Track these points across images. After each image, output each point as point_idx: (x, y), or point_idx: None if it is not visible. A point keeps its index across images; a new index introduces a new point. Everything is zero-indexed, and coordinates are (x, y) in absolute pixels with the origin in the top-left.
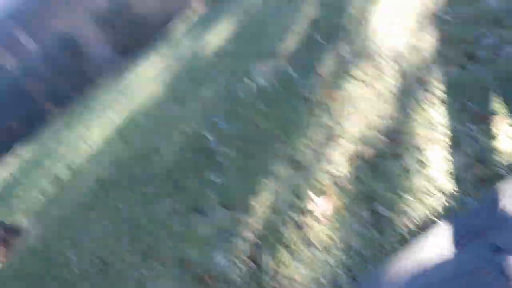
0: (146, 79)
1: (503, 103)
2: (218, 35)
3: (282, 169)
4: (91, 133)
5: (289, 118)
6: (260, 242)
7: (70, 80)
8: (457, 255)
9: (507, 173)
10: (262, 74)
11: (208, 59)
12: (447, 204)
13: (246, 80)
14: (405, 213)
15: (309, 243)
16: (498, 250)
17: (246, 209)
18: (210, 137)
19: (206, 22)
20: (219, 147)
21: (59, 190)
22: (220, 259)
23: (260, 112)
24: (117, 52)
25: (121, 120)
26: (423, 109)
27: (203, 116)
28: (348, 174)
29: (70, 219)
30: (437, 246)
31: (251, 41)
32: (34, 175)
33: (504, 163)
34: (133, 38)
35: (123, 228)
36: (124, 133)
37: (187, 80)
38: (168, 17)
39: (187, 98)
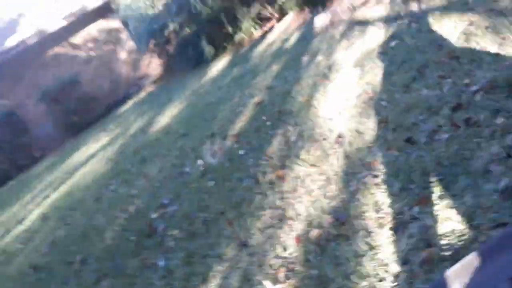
0: (90, 156)
1: (442, 185)
2: (167, 115)
3: (230, 252)
4: (29, 212)
5: (239, 198)
6: None
7: (10, 157)
8: None
9: (452, 254)
10: (211, 153)
11: (157, 138)
12: None
13: (195, 159)
14: None
15: None
16: None
17: None
18: (154, 217)
19: (155, 101)
20: (164, 227)
21: None
22: None
23: (209, 191)
24: (62, 129)
25: (61, 199)
26: (369, 191)
27: (149, 195)
28: (299, 257)
29: None
30: None
31: (200, 121)
32: None
33: (448, 244)
34: (80, 116)
35: None
36: (63, 213)
37: (134, 158)
38: (117, 95)
39: (133, 176)
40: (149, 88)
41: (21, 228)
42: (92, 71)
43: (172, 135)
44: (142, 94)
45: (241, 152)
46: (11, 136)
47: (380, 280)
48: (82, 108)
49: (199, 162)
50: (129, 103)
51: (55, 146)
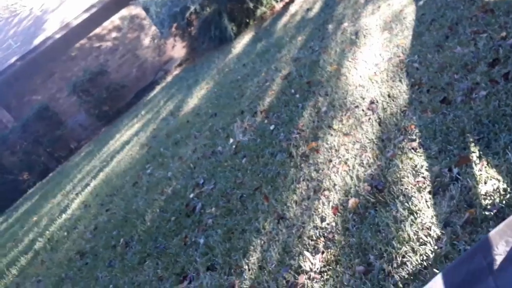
0: (124, 143)
1: (483, 144)
2: (196, 96)
3: (269, 226)
4: (71, 201)
5: (273, 173)
6: None
7: (48, 150)
8: None
9: (495, 213)
10: (242, 131)
11: (187, 120)
12: (440, 251)
13: (226, 137)
14: (398, 263)
15: None
16: None
17: (234, 270)
18: (191, 197)
19: (182, 84)
20: (201, 206)
21: (38, 265)
22: None
23: (242, 168)
24: (94, 119)
25: (100, 186)
26: (405, 156)
27: (184, 176)
28: (337, 227)
29: None
30: None
31: (228, 100)
32: (12, 250)
33: (490, 203)
34: (111, 104)
35: None
36: (103, 199)
37: (167, 141)
38: (144, 81)
39: (167, 159)
40: (175, 71)
41: (64, 217)
42: (118, 60)
43: (202, 116)
44: (169, 78)
45: (271, 127)
46: (47, 130)
47: (422, 244)
48: (112, 97)
49: (231, 140)
50: (157, 88)
51: (90, 136)
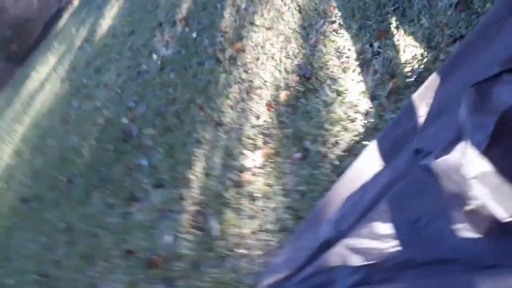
0: (43, 80)
1: (398, 14)
2: (108, 16)
3: (208, 135)
4: (0, 153)
5: (204, 82)
6: (203, 210)
7: None
8: (388, 167)
9: (415, 79)
10: (164, 44)
11: (105, 43)
12: (369, 124)
13: (149, 54)
14: (333, 143)
15: (251, 197)
16: (421, 152)
17: (182, 183)
18: (126, 122)
19: (91, 5)
20: (138, 129)
21: None
22: (166, 238)
23: (172, 84)
24: (4, 61)
25: (29, 131)
26: (328, 39)
27: (114, 102)
28: (273, 122)
29: None
30: (369, 165)
31: (143, 14)
32: None
33: (410, 70)
34: (18, 43)
35: (58, 238)
36: (35, 143)
37: (88, 70)
38: (49, 11)
39: (92, 89)
40: None
41: None
42: None
43: (119, 37)
44: (75, 2)
45: (193, 35)
46: None
47: (352, 121)
48: (18, 35)
49: (154, 57)
50: (65, 16)
51: (3, 80)
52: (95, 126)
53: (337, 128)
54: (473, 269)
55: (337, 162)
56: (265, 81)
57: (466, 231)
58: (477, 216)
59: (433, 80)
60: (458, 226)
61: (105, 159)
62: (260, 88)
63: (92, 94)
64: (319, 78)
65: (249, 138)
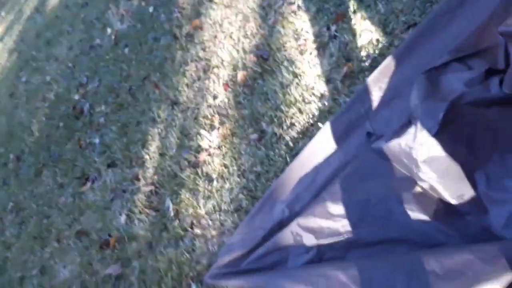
0: None
1: None
2: None
3: (163, 113)
4: None
5: (159, 59)
6: (158, 190)
7: None
8: (340, 149)
9: (370, 64)
10: (119, 18)
11: (56, 15)
12: (324, 107)
13: (103, 28)
14: (288, 125)
15: (206, 178)
16: (372, 135)
17: (136, 162)
18: (77, 98)
19: None
20: (89, 106)
21: None
22: (119, 219)
23: (127, 60)
24: None
25: None
26: (286, 20)
27: (65, 77)
28: (229, 102)
29: None
30: (322, 147)
31: None
32: None
33: (366, 55)
34: None
35: (8, 219)
36: None
37: (38, 42)
38: None
39: (42, 62)
40: None
41: None
42: None
43: (71, 8)
44: None
45: (150, 9)
46: None
47: (307, 104)
48: None
49: (108, 30)
50: None
51: None
52: (45, 101)
53: (293, 110)
54: (419, 248)
55: (292, 144)
56: (222, 60)
57: (414, 212)
58: (425, 198)
59: (386, 65)
60: (407, 207)
61: (56, 136)
62: (217, 67)
63: (42, 67)
64: (277, 60)
65: (205, 118)
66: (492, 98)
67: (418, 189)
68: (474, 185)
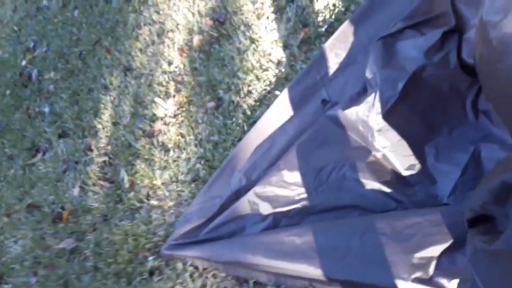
0: None
1: None
2: None
3: (116, 80)
4: None
5: (111, 22)
6: (112, 160)
7: None
8: (296, 116)
9: (326, 29)
10: None
11: None
12: (281, 74)
13: None
14: (245, 92)
15: (162, 147)
16: (327, 102)
17: (88, 132)
18: (24, 64)
19: None
20: (37, 72)
21: None
22: (72, 191)
23: (76, 23)
24: None
25: None
26: None
27: (10, 42)
28: (185, 68)
29: None
30: (278, 115)
31: None
32: None
33: (322, 20)
34: None
35: None
36: None
37: None
38: None
39: None
40: None
41: None
42: None
43: None
44: None
45: None
46: None
47: (265, 70)
48: None
49: None
50: None
51: None
52: None
53: (250, 77)
54: (370, 213)
55: (249, 112)
56: (177, 24)
57: (367, 180)
58: (378, 167)
59: (342, 31)
60: (361, 175)
61: (2, 105)
62: (172, 31)
63: None
64: (233, 24)
65: (160, 85)
66: (452, 72)
67: (371, 158)
68: (424, 157)
